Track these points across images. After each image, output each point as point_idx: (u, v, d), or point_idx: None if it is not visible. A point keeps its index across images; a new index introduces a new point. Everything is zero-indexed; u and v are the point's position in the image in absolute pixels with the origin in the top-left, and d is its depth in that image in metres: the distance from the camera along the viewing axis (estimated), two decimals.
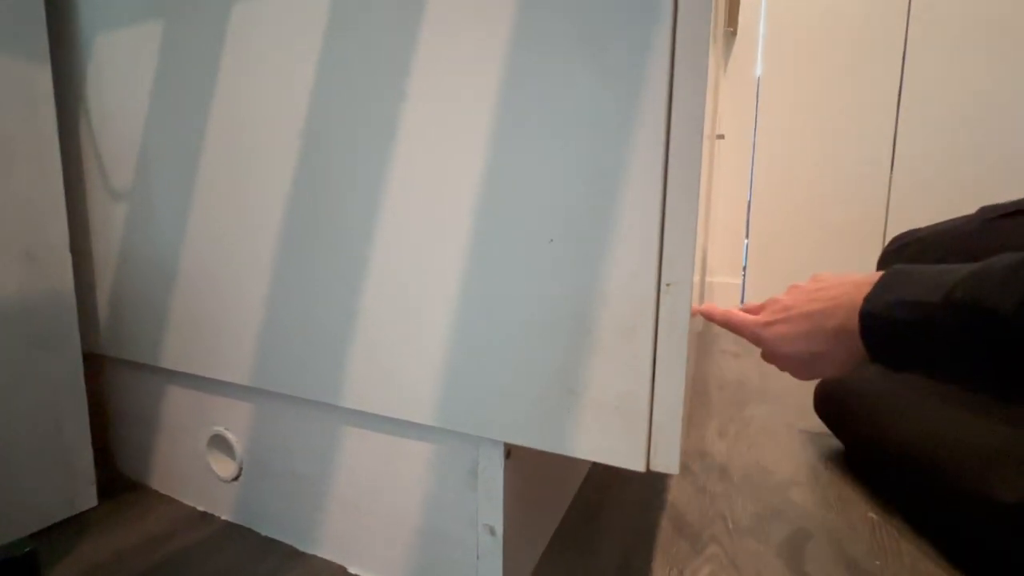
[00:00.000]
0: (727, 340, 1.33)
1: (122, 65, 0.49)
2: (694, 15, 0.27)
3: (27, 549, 0.30)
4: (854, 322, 0.32)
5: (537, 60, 0.31)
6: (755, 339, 0.41)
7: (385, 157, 0.37)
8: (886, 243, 1.81)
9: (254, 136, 0.42)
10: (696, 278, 0.64)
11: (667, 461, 0.31)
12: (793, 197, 1.75)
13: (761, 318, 0.40)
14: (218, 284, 0.46)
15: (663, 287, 0.30)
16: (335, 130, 0.38)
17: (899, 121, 1.62)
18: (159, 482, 0.57)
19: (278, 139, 0.41)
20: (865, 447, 0.59)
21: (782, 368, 0.40)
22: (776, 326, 0.39)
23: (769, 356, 0.40)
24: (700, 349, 1.22)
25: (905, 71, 1.59)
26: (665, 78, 0.28)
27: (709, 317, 0.44)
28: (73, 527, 0.49)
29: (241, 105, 0.43)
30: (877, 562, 0.45)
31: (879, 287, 0.32)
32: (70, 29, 0.51)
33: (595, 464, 0.62)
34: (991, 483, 0.41)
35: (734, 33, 1.72)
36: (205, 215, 0.46)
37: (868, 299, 0.32)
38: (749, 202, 1.81)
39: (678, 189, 0.29)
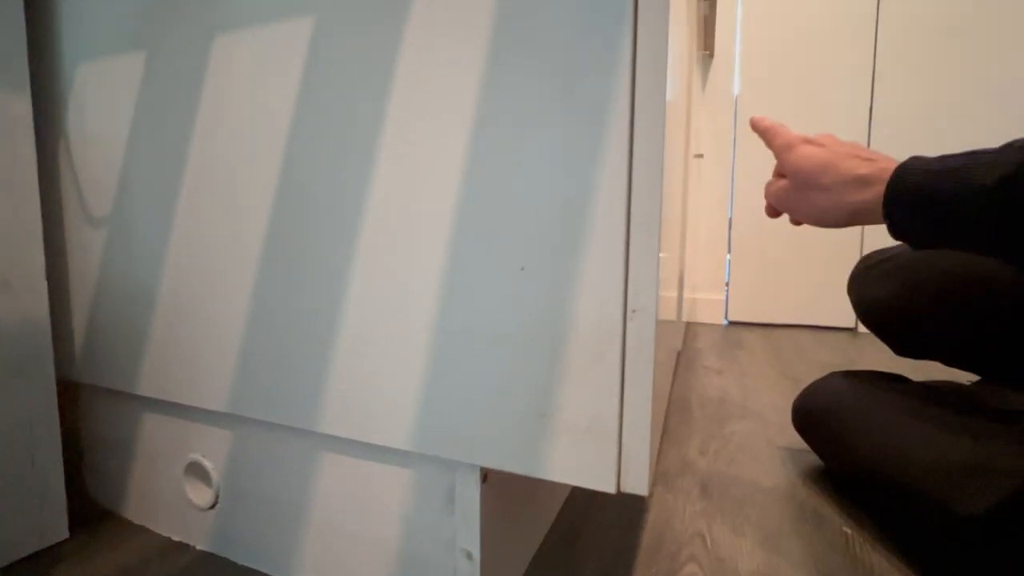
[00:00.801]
0: (709, 357, 1.35)
1: (103, 95, 0.49)
2: (652, 62, 0.29)
3: None
4: (881, 178, 0.39)
5: (507, 100, 0.32)
6: (785, 147, 0.45)
7: (362, 188, 0.37)
8: (862, 253, 1.87)
9: (233, 166, 0.43)
10: (671, 293, 0.65)
11: (637, 482, 0.32)
12: None
13: (804, 136, 0.45)
14: (196, 311, 0.46)
15: (629, 313, 0.31)
16: (313, 162, 0.39)
17: (871, 138, 1.67)
18: (133, 512, 0.56)
19: (257, 169, 0.42)
20: (839, 463, 0.60)
21: (786, 193, 0.45)
22: (813, 147, 0.43)
23: (782, 169, 0.46)
24: (682, 366, 1.24)
25: (875, 89, 1.65)
26: (626, 119, 0.29)
27: (756, 125, 0.49)
28: (43, 561, 0.48)
29: (221, 135, 0.43)
30: None
31: (920, 158, 0.40)
32: (51, 59, 0.52)
33: (575, 487, 0.62)
34: (955, 497, 0.43)
35: (710, 56, 1.78)
36: (183, 243, 0.46)
37: (910, 159, 0.40)
38: (730, 219, 1.85)
39: (641, 221, 0.30)
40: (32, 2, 0.51)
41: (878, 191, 0.39)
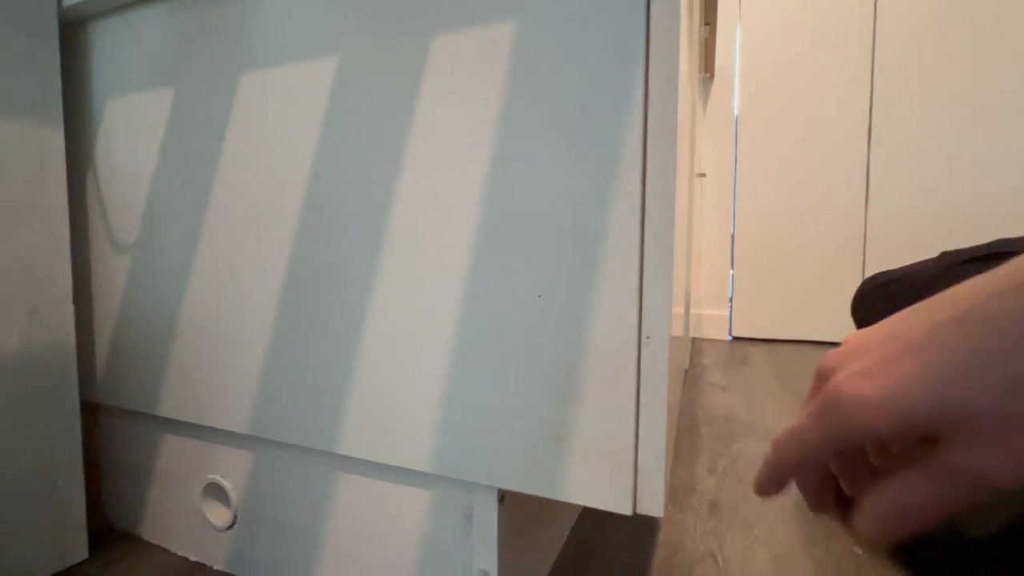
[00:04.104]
0: (715, 373, 1.35)
1: (131, 128, 0.51)
2: (664, 103, 0.31)
3: None
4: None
5: (522, 140, 0.34)
6: (820, 376, 0.21)
7: (382, 221, 0.39)
8: (864, 268, 1.86)
9: (257, 197, 0.45)
10: (679, 310, 0.67)
11: (652, 504, 0.33)
12: (775, 229, 1.81)
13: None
14: (218, 335, 0.48)
15: (643, 340, 0.32)
16: (335, 195, 0.41)
17: (870, 153, 1.70)
18: (151, 532, 0.57)
19: (280, 200, 0.43)
20: None
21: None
22: (860, 372, 0.20)
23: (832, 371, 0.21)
24: (688, 384, 1.24)
25: (873, 104, 1.68)
26: (639, 157, 0.31)
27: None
28: None
29: (245, 167, 0.45)
30: None
31: None
32: (83, 95, 0.54)
33: (585, 507, 0.63)
34: (962, 519, 0.43)
35: (711, 77, 1.81)
36: (206, 269, 0.48)
37: None
38: (732, 235, 1.87)
39: (654, 251, 0.31)
40: (67, 41, 0.54)
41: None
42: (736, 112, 1.83)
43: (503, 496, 0.39)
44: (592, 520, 0.60)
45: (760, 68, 1.78)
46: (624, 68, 0.31)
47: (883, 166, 1.68)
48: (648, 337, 0.32)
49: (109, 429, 0.59)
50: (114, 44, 0.52)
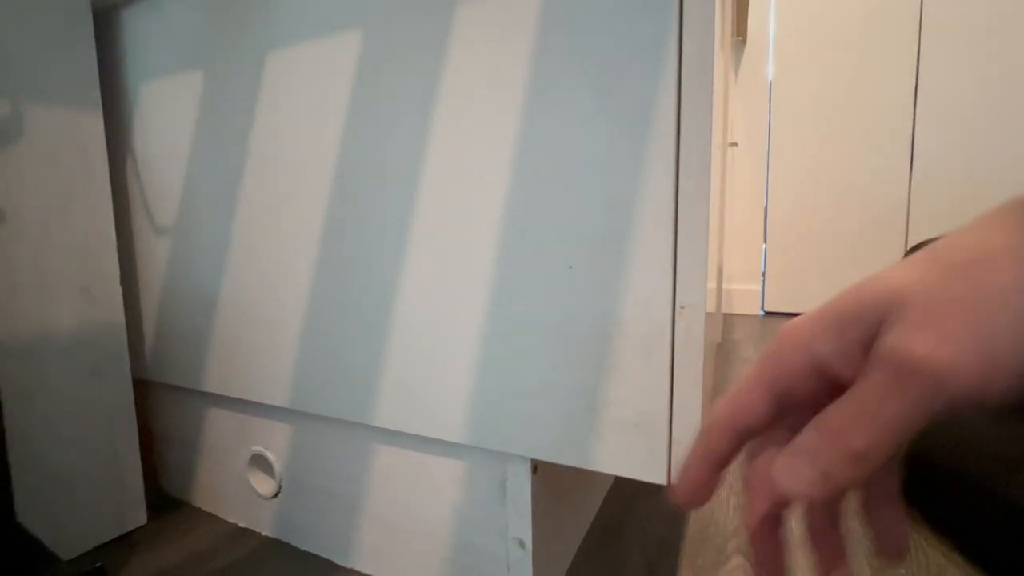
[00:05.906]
0: (747, 349, 1.33)
1: (165, 112, 0.53)
2: (698, 62, 0.29)
3: (97, 565, 0.33)
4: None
5: (552, 106, 0.33)
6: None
7: (413, 193, 0.39)
8: (907, 245, 1.78)
9: (289, 176, 0.45)
10: (711, 285, 0.65)
11: None
12: (811, 200, 1.75)
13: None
14: (257, 312, 0.49)
15: (678, 309, 0.32)
16: (364, 170, 0.41)
17: (916, 119, 1.60)
18: (202, 500, 0.60)
19: (312, 177, 0.44)
20: None
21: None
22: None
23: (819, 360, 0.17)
24: (720, 358, 1.22)
25: (920, 68, 1.58)
26: (672, 119, 0.30)
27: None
28: (125, 544, 0.53)
29: (277, 148, 0.46)
30: (903, 571, 0.45)
31: None
32: (118, 80, 0.56)
33: (619, 477, 0.63)
34: (1018, 490, 0.42)
35: (743, 41, 1.73)
36: (244, 248, 0.49)
37: None
38: (766, 208, 1.81)
39: (688, 218, 0.31)
40: (101, 29, 0.55)
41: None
42: (770, 78, 1.75)
43: (536, 467, 0.39)
44: (624, 493, 0.60)
45: (796, 31, 1.69)
46: (657, 25, 0.30)
47: (929, 134, 1.59)
48: (682, 307, 0.31)
49: (160, 404, 0.62)
50: (145, 29, 0.53)
